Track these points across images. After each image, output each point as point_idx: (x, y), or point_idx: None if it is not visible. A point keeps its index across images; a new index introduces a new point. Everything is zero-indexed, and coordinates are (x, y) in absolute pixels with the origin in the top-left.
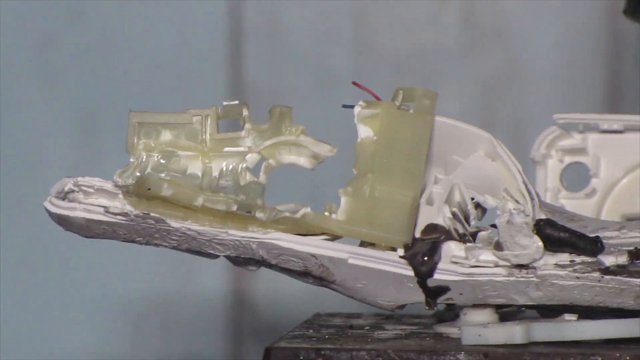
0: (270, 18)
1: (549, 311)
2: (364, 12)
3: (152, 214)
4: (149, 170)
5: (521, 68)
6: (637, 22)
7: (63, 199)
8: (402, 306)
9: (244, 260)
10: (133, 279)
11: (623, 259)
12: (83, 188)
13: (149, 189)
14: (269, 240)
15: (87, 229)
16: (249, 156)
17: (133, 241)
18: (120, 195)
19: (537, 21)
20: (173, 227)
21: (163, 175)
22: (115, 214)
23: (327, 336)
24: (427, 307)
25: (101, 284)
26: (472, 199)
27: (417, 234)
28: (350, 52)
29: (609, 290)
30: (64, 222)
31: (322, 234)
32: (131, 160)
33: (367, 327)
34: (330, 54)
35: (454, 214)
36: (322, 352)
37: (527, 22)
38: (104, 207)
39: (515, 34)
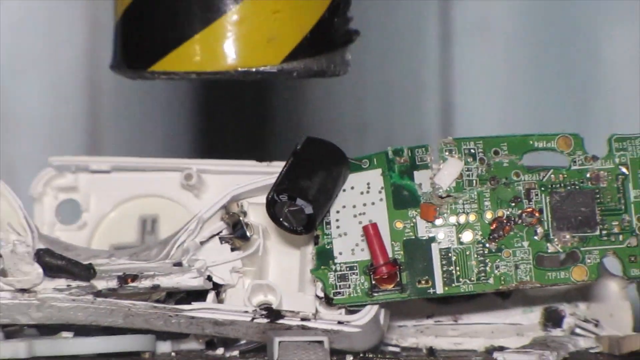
0: None
1: (49, 329)
2: None
3: None
4: None
5: (11, 117)
6: (122, 75)
7: None
8: None
9: None
10: None
11: (113, 283)
12: None
13: None
14: None
15: None
16: None
17: None
18: None
19: (24, 73)
20: None
21: None
22: None
23: None
24: None
25: None
26: None
27: None
28: None
29: (101, 310)
30: None
31: None
32: None
33: None
34: None
35: None
36: None
37: (16, 74)
38: None
39: None
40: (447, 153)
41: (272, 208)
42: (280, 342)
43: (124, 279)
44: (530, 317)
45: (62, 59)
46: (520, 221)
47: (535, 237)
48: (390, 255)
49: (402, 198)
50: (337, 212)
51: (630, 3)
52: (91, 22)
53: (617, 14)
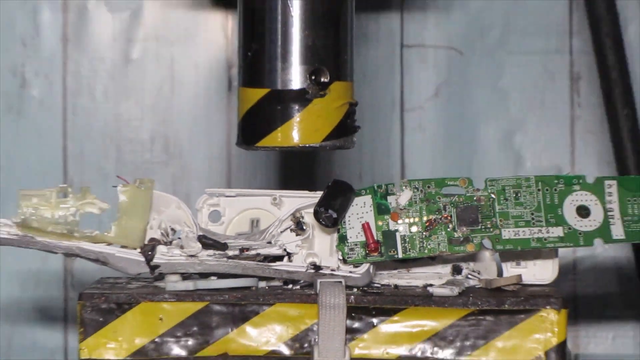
0: None
1: (204, 275)
2: None
3: (27, 235)
4: (26, 215)
5: (188, 170)
6: (242, 148)
7: None
8: (140, 274)
9: (73, 255)
10: None
11: (236, 252)
12: None
13: (27, 224)
14: (82, 246)
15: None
16: (72, 208)
17: (28, 247)
18: (14, 226)
19: (195, 147)
20: (38, 241)
21: (33, 217)
22: (11, 235)
23: (107, 287)
24: (151, 274)
25: None
26: (170, 226)
27: (146, 241)
28: None
29: (230, 265)
30: None
31: (104, 242)
32: (19, 210)
33: (124, 282)
34: None
35: (162, 233)
36: (104, 294)
37: (191, 149)
38: (7, 231)
39: (181, 145)
40: (404, 187)
41: (316, 214)
42: (320, 281)
43: (242, 250)
44: (446, 269)
45: (214, 139)
46: (440, 221)
47: (449, 229)
48: (375, 238)
49: (381, 209)
50: (349, 216)
51: (494, 107)
52: (227, 121)
53: (486, 115)
